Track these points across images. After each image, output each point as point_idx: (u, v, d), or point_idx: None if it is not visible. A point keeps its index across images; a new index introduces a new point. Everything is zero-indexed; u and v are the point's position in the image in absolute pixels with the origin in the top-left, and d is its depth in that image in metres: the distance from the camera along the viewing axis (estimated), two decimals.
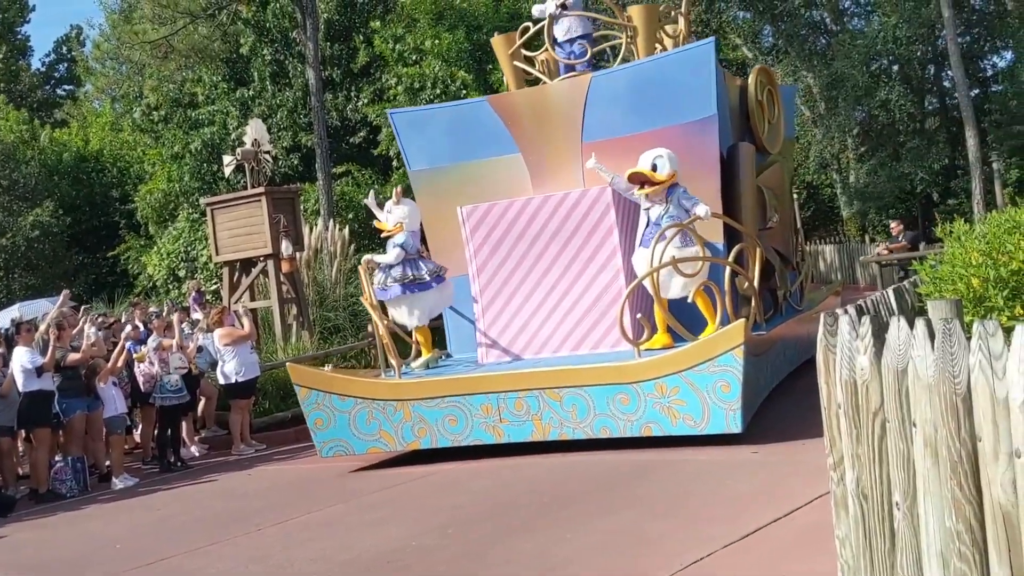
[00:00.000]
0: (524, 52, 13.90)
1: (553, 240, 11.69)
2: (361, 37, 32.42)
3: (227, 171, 19.53)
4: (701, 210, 10.65)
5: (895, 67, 37.41)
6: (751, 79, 13.49)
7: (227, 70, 35.09)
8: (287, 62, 33.60)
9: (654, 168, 10.90)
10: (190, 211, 33.16)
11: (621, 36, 13.33)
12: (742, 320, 9.81)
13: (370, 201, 12.79)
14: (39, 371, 12.70)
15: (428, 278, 12.14)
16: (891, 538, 4.01)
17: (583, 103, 12.50)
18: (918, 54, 36.36)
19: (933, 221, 19.70)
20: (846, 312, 4.44)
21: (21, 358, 12.65)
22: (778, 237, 13.50)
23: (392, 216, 12.38)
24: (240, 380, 14.37)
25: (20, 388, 12.76)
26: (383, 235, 12.56)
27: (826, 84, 35.42)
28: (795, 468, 8.67)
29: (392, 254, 12.18)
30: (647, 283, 10.50)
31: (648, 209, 11.09)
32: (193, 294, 20.02)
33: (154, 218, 35.03)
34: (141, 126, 37.12)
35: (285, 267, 17.91)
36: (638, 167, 11.00)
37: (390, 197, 12.49)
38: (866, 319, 4.11)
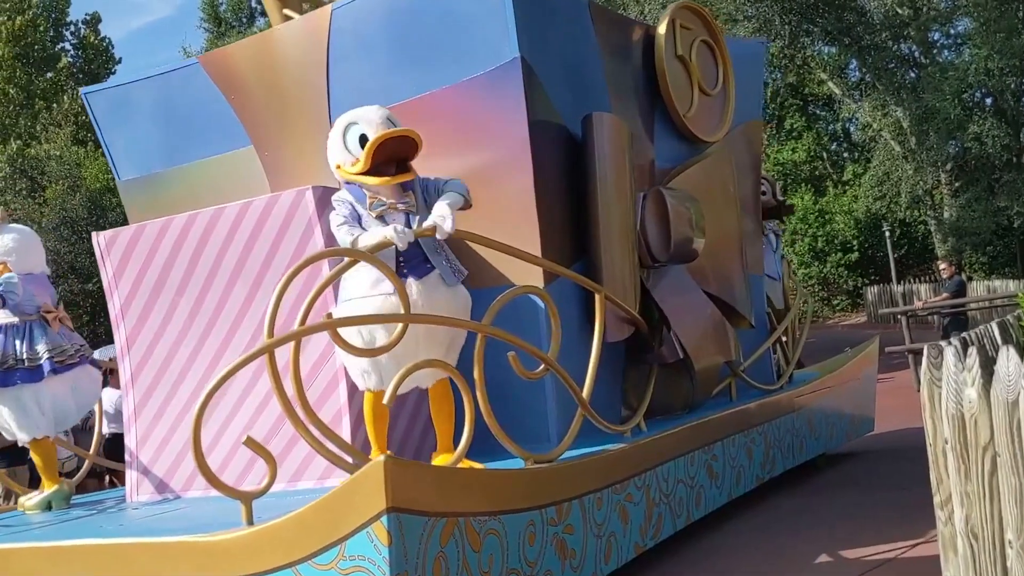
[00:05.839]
0: None
1: (236, 283, 5.92)
2: None
3: None
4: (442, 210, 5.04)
5: (988, 100, 33.30)
6: (662, 23, 7.70)
7: None
8: None
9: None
10: None
11: None
12: (381, 459, 3.94)
13: None
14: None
15: (43, 359, 6.40)
16: None
17: (325, 56, 6.74)
18: (1012, 86, 32.19)
19: None
20: (951, 344, 3.99)
21: (111, 398, 10.91)
22: (715, 275, 7.80)
23: None
24: None
25: (106, 429, 10.63)
26: None
27: (916, 118, 31.39)
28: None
29: None
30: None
31: (383, 208, 5.17)
32: None
33: None
34: None
35: None
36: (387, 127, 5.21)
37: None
38: (973, 350, 3.75)
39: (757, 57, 9.67)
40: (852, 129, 39.53)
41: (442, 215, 5.00)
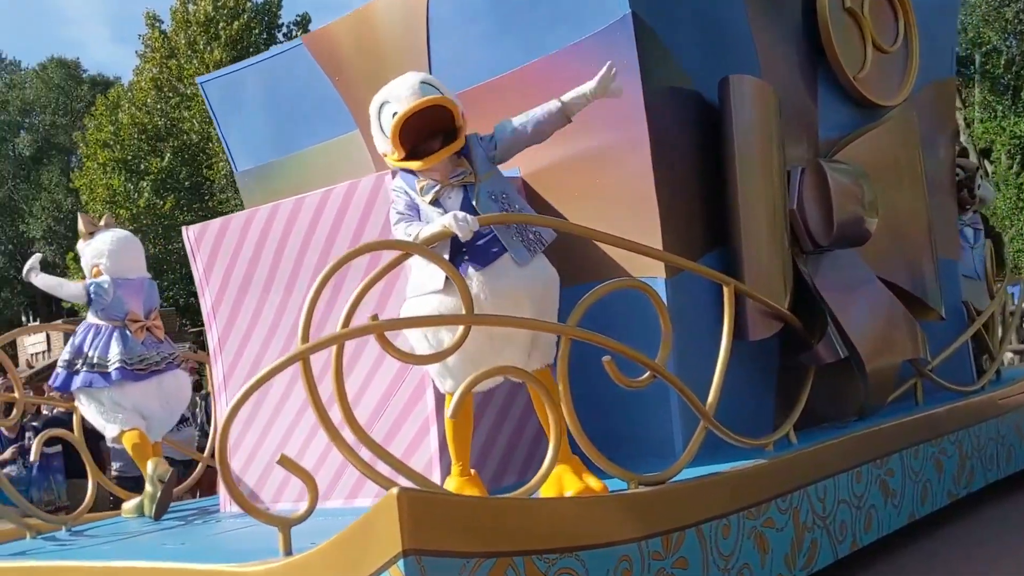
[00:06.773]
0: None
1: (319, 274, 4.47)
2: None
3: None
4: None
5: None
6: None
7: None
8: None
9: None
10: None
11: None
12: (394, 491, 3.19)
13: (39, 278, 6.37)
14: None
15: (113, 366, 5.97)
16: None
17: (424, 28, 5.96)
18: None
19: None
20: None
21: None
22: (895, 260, 6.68)
23: (84, 256, 6.40)
24: None
25: None
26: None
27: None
28: None
29: (72, 288, 6.32)
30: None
31: (437, 190, 4.35)
32: None
33: None
34: None
35: None
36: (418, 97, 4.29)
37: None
38: None
39: (950, 6, 8.36)
40: None
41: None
